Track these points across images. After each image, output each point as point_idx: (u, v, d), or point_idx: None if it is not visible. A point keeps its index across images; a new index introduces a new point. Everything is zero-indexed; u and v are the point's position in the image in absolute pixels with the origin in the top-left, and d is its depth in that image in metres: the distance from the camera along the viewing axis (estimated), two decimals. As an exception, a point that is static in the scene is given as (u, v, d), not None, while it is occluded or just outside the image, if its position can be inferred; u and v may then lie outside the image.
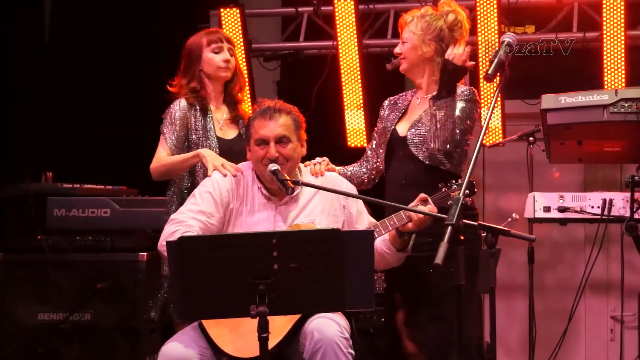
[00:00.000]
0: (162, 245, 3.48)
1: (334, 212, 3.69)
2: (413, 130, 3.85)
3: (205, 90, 4.14)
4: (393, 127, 3.94)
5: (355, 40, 5.99)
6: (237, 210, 3.64)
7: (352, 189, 3.79)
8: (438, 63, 3.88)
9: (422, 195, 3.56)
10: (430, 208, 3.49)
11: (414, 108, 3.95)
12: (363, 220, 3.74)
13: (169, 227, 3.55)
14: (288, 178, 3.51)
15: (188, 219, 3.56)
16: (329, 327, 3.32)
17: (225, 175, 3.69)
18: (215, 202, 3.62)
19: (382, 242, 3.61)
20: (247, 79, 4.67)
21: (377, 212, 3.81)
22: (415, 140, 3.83)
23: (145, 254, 4.83)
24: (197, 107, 4.08)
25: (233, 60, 4.17)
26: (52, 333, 4.81)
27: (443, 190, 3.55)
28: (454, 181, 3.57)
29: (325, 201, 3.69)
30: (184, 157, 3.98)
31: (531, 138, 5.31)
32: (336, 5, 5.98)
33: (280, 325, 3.37)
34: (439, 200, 3.53)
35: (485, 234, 3.17)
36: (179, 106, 4.07)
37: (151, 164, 4.05)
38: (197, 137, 4.05)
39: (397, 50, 3.97)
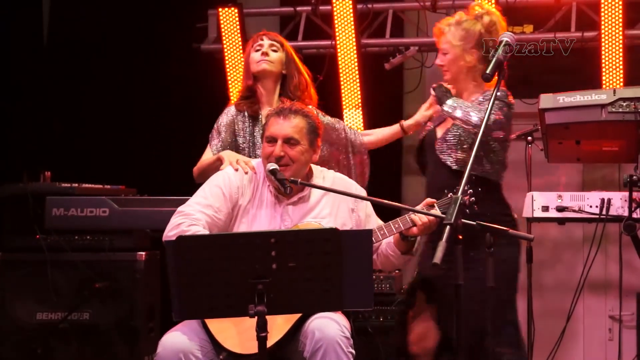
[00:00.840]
0: (166, 236, 3.46)
1: (342, 214, 3.68)
2: (443, 137, 3.88)
3: (256, 94, 4.15)
4: (434, 126, 3.95)
5: (354, 39, 5.98)
6: (245, 207, 3.62)
7: (362, 192, 3.77)
8: (479, 69, 3.85)
9: (429, 200, 3.58)
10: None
11: None
12: (371, 223, 3.72)
13: (175, 219, 3.53)
14: (286, 177, 3.51)
15: (195, 212, 3.54)
16: (330, 326, 3.31)
17: (236, 170, 3.68)
18: (224, 197, 3.60)
19: (387, 245, 3.63)
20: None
21: (387, 214, 3.79)
22: (442, 147, 3.85)
23: (143, 253, 4.83)
24: (247, 113, 4.11)
25: (277, 55, 4.12)
26: (50, 332, 4.80)
27: (449, 195, 3.55)
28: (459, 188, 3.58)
29: (334, 203, 3.68)
30: (210, 159, 4.03)
31: (529, 137, 5.30)
32: (334, 5, 5.98)
33: (280, 324, 3.37)
34: (445, 205, 3.53)
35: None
36: (227, 112, 4.15)
37: None
38: (244, 142, 4.09)
39: (438, 62, 3.95)
